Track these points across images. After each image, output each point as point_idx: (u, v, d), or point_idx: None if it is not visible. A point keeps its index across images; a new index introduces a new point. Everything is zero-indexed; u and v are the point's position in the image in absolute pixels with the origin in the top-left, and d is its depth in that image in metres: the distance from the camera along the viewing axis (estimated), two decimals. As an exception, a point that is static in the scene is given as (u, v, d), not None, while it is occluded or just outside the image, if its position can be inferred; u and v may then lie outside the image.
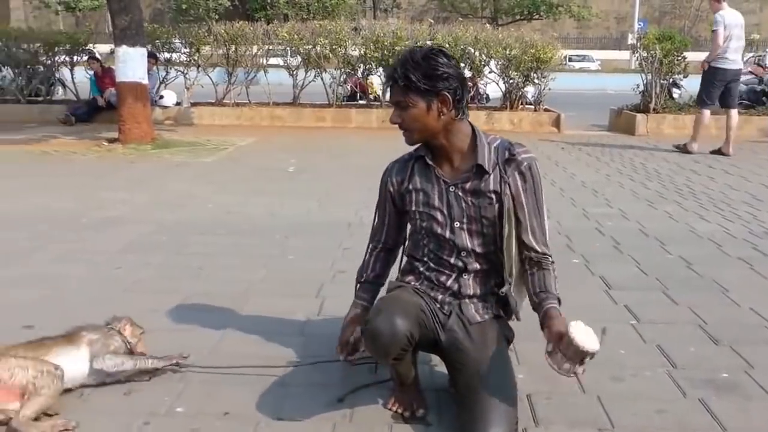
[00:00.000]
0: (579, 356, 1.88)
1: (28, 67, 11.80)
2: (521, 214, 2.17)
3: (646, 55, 10.59)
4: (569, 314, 3.04)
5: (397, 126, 2.17)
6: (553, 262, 2.23)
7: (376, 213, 2.42)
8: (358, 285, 2.44)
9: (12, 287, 3.40)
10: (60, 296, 3.29)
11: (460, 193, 2.17)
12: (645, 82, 10.66)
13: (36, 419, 2.07)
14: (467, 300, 2.22)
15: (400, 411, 2.22)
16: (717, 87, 8.34)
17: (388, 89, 2.17)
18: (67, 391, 2.27)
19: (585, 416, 2.22)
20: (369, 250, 2.45)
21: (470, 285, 2.23)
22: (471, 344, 2.15)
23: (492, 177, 2.14)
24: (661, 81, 10.60)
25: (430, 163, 2.20)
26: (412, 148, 2.28)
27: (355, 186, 6.17)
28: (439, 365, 2.52)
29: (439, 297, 2.24)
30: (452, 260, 2.23)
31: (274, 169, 7.10)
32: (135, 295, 3.32)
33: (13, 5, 32.79)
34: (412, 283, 2.29)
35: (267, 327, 2.93)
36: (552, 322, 2.05)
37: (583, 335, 1.86)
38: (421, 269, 2.28)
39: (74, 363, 2.29)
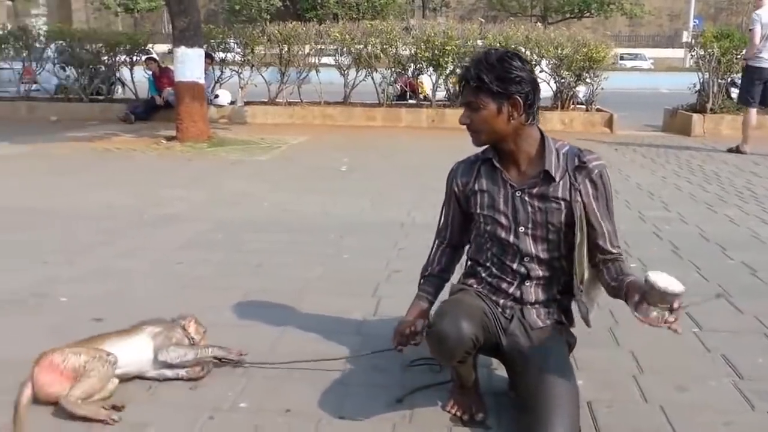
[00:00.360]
0: (665, 300, 1.80)
1: (91, 66, 12.13)
2: (594, 220, 2.13)
3: (703, 53, 10.32)
4: (628, 317, 2.99)
5: (465, 127, 2.15)
6: (623, 257, 2.20)
7: (441, 211, 2.41)
8: (422, 279, 2.43)
9: (81, 282, 3.50)
10: (125, 291, 3.38)
11: (527, 198, 2.14)
12: (702, 81, 10.38)
13: (86, 402, 2.15)
14: (529, 306, 2.20)
15: (459, 414, 2.20)
16: (756, 85, 8.36)
17: (460, 89, 2.14)
18: (132, 379, 2.37)
19: (648, 426, 2.17)
20: (434, 246, 2.45)
21: (532, 292, 2.20)
22: (532, 349, 2.13)
23: (561, 183, 2.11)
24: (719, 80, 10.32)
25: (498, 165, 2.18)
26: (478, 149, 2.26)
27: (406, 186, 6.17)
28: (497, 368, 2.51)
29: (501, 301, 2.22)
30: (515, 266, 2.20)
31: (326, 168, 7.15)
32: (195, 291, 3.39)
33: (75, 6, 33.82)
34: (474, 286, 2.27)
35: (324, 325, 2.96)
36: (633, 282, 1.98)
37: (665, 278, 1.80)
38: (483, 274, 2.26)
39: (136, 352, 2.37)
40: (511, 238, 2.18)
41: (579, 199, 2.11)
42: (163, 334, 2.45)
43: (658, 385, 2.42)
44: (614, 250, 2.16)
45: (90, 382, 2.17)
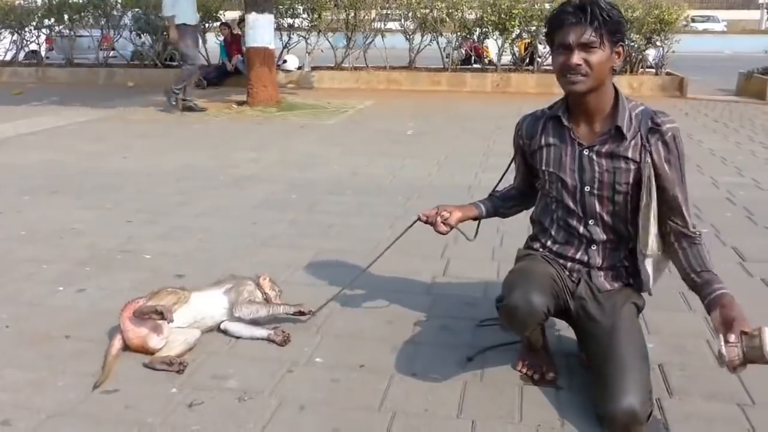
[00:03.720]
0: (761, 360, 1.70)
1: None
2: (667, 184, 2.03)
3: (783, 14, 9.72)
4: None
5: (564, 71, 1.97)
6: (700, 234, 2.09)
7: (512, 161, 2.39)
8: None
9: (164, 239, 3.62)
10: (205, 248, 3.48)
11: (594, 157, 2.06)
12: (780, 43, 9.81)
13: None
14: (596, 269, 2.14)
15: (529, 374, 2.20)
16: None
17: (568, 30, 1.95)
18: (212, 332, 2.46)
19: (722, 390, 2.11)
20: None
21: (599, 256, 2.14)
22: (601, 312, 2.08)
23: (631, 143, 2.02)
24: (799, 42, 9.74)
25: (567, 123, 2.10)
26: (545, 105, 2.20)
27: (472, 149, 6.10)
28: (564, 330, 2.48)
29: (568, 264, 2.16)
30: (581, 229, 2.14)
31: (393, 132, 7.13)
32: (271, 249, 3.46)
33: (149, -25, 34.23)
34: (540, 251, 2.23)
35: (395, 285, 2.98)
36: (729, 311, 1.86)
37: None
38: (549, 240, 2.21)
39: (211, 305, 2.47)
40: (577, 197, 2.11)
41: (649, 160, 2.01)
42: (235, 289, 2.52)
43: (733, 351, 2.35)
44: (687, 220, 2.06)
45: (163, 299, 2.29)
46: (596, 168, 2.06)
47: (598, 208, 2.10)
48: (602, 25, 1.92)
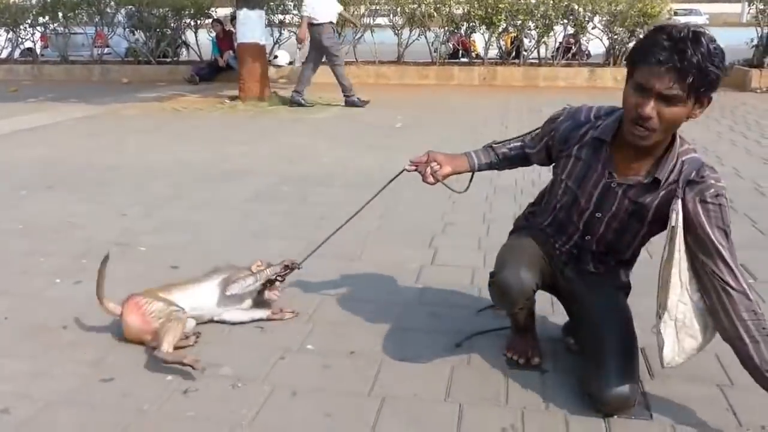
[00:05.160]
0: None
1: (158, 30, 12.29)
2: (702, 238, 1.75)
3: (762, 7, 9.77)
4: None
5: (638, 120, 1.69)
6: (749, 293, 1.74)
7: (528, 134, 2.17)
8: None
9: (158, 232, 3.62)
10: (199, 240, 3.48)
11: (620, 193, 1.88)
12: (760, 35, 9.85)
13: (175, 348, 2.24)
14: (583, 258, 2.11)
15: (515, 358, 2.21)
16: None
17: (654, 71, 1.63)
18: (207, 322, 2.46)
19: (703, 372, 2.14)
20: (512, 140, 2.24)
21: (591, 249, 2.06)
22: (590, 294, 2.06)
23: (663, 192, 1.81)
24: (778, 34, 9.79)
25: (607, 152, 1.87)
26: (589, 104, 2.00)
27: (459, 141, 6.08)
28: (550, 315, 2.50)
29: (558, 245, 2.10)
30: (575, 237, 2.04)
31: (382, 125, 7.12)
32: (264, 240, 3.46)
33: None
34: (538, 223, 2.16)
35: (385, 274, 2.99)
36: None
37: None
38: (546, 223, 2.14)
39: (206, 296, 2.45)
40: (583, 218, 1.99)
41: (679, 208, 1.75)
42: (228, 277, 2.51)
43: (712, 334, 2.37)
44: (737, 285, 1.72)
45: (171, 332, 2.23)
46: (617, 203, 1.90)
47: (601, 230, 1.99)
48: (697, 78, 1.60)
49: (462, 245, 3.31)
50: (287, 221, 3.81)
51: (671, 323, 1.81)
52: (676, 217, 1.75)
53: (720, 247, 1.74)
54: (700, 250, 1.76)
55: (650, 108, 1.66)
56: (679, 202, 1.76)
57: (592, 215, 1.97)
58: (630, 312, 2.10)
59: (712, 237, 1.74)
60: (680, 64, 1.60)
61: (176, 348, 2.20)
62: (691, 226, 1.76)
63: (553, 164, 2.10)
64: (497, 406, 1.98)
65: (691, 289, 1.80)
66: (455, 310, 2.60)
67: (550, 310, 2.54)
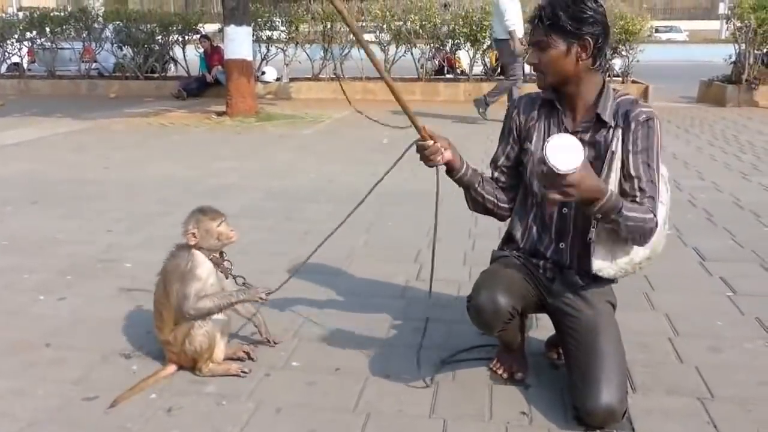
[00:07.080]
0: (547, 179, 1.73)
1: (145, 46, 12.28)
2: (631, 161, 1.97)
3: (740, 24, 9.93)
4: (663, 282, 2.95)
5: (532, 67, 2.06)
6: (652, 211, 1.95)
7: (498, 147, 2.25)
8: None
9: (144, 248, 3.60)
10: (184, 256, 3.45)
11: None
12: (738, 52, 10.00)
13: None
14: (567, 269, 2.14)
15: (499, 372, 2.21)
16: None
17: (531, 29, 2.01)
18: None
19: (683, 385, 2.15)
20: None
21: (568, 255, 2.11)
22: (578, 309, 2.06)
23: (613, 132, 1.98)
24: (755, 51, 9.93)
25: (558, 106, 2.08)
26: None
27: (446, 157, 6.12)
28: (532, 331, 2.51)
29: (541, 263, 2.15)
30: (555, 218, 2.10)
31: (368, 141, 7.13)
32: (249, 256, 3.44)
33: (130, -12, 33.99)
34: (514, 252, 2.22)
35: (370, 289, 2.99)
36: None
37: (559, 153, 1.69)
38: (522, 240, 2.19)
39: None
40: (555, 221, 2.10)
41: (619, 135, 1.97)
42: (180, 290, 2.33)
43: (692, 347, 2.39)
44: (637, 193, 1.96)
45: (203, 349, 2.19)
46: None
47: (571, 230, 2.08)
48: (558, 21, 1.93)
49: (448, 260, 3.30)
50: (272, 237, 3.80)
51: (604, 234, 1.99)
52: (617, 143, 1.97)
53: (641, 172, 1.97)
54: (626, 170, 1.98)
55: (531, 56, 2.02)
56: (620, 131, 1.98)
57: (560, 213, 2.08)
58: (617, 325, 2.09)
59: (639, 160, 1.97)
60: (538, 14, 1.97)
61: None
62: (624, 150, 1.97)
63: (520, 166, 2.18)
64: (481, 421, 1.97)
65: None
66: (440, 326, 2.60)
67: (533, 325, 2.55)
